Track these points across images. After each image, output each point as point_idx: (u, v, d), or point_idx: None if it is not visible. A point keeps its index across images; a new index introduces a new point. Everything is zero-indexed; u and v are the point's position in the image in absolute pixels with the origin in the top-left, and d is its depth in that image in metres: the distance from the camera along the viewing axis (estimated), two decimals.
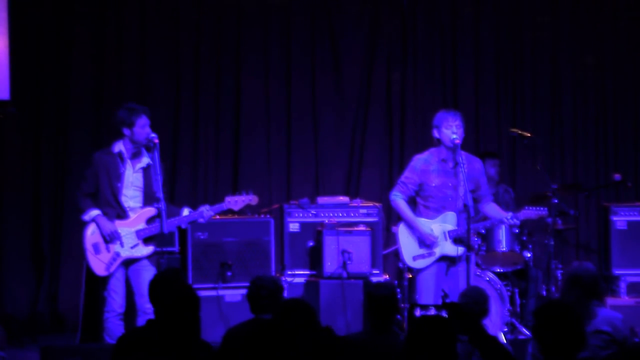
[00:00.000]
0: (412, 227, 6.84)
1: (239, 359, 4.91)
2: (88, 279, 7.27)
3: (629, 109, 9.88)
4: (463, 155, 6.77)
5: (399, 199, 6.86)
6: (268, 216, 8.16)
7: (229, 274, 7.87)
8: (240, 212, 7.19)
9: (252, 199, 7.10)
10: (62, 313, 8.81)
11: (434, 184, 6.79)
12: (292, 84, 9.45)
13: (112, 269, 6.76)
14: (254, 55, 9.37)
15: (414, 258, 6.85)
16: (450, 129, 6.72)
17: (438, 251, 6.76)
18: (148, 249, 6.78)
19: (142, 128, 6.76)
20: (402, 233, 6.90)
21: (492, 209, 6.95)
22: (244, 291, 7.26)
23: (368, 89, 9.56)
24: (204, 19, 9.29)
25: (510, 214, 6.91)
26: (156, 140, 6.68)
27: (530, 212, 6.87)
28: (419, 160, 6.88)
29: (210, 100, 9.32)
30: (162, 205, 6.58)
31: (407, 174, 6.90)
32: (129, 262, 6.80)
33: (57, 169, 8.96)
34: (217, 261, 7.91)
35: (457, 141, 6.71)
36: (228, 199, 7.04)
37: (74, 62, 9.00)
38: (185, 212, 6.90)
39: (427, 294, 6.78)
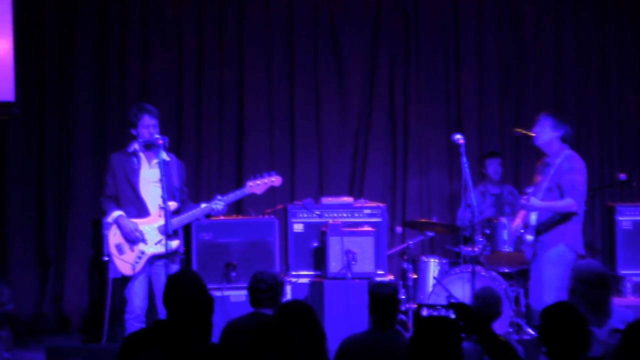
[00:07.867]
0: None
1: (238, 352, 4.90)
2: (101, 281, 7.27)
3: (633, 108, 9.87)
4: (465, 157, 6.84)
5: None
6: (272, 217, 8.16)
7: (233, 274, 7.86)
8: (246, 212, 7.11)
9: (275, 180, 6.98)
10: (67, 314, 8.83)
11: None
12: (295, 83, 9.44)
13: (139, 267, 6.72)
14: (257, 56, 9.36)
15: None
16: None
17: None
18: (174, 243, 6.67)
19: (146, 128, 6.76)
20: None
21: None
22: None
23: (371, 89, 9.55)
24: (207, 19, 9.29)
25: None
26: (160, 142, 6.64)
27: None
28: None
29: (213, 102, 9.31)
30: (166, 205, 6.53)
31: None
32: (151, 261, 6.76)
33: (62, 170, 8.97)
34: (222, 262, 7.91)
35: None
36: (249, 183, 6.95)
37: (77, 63, 9.02)
38: (202, 206, 6.87)
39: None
